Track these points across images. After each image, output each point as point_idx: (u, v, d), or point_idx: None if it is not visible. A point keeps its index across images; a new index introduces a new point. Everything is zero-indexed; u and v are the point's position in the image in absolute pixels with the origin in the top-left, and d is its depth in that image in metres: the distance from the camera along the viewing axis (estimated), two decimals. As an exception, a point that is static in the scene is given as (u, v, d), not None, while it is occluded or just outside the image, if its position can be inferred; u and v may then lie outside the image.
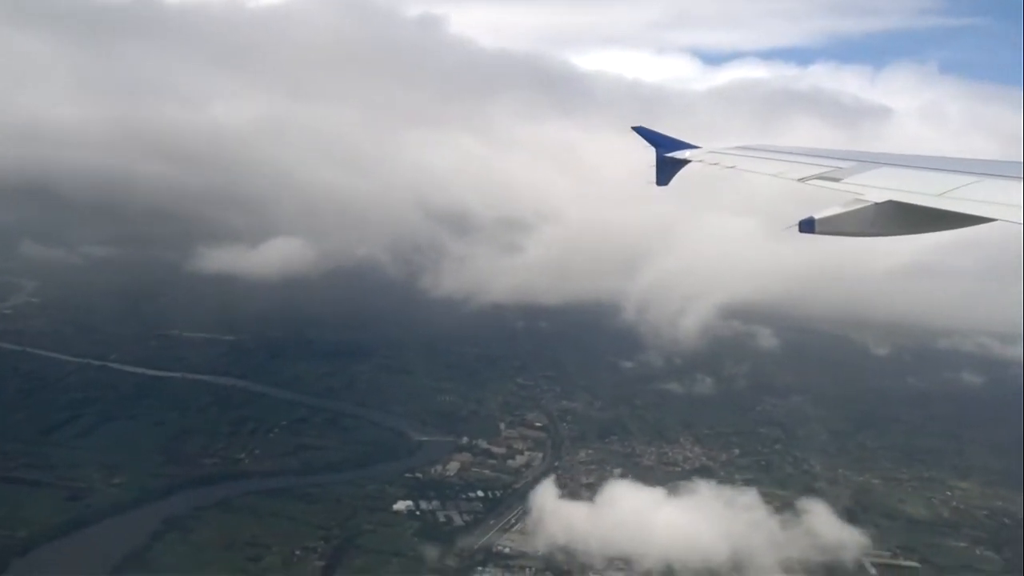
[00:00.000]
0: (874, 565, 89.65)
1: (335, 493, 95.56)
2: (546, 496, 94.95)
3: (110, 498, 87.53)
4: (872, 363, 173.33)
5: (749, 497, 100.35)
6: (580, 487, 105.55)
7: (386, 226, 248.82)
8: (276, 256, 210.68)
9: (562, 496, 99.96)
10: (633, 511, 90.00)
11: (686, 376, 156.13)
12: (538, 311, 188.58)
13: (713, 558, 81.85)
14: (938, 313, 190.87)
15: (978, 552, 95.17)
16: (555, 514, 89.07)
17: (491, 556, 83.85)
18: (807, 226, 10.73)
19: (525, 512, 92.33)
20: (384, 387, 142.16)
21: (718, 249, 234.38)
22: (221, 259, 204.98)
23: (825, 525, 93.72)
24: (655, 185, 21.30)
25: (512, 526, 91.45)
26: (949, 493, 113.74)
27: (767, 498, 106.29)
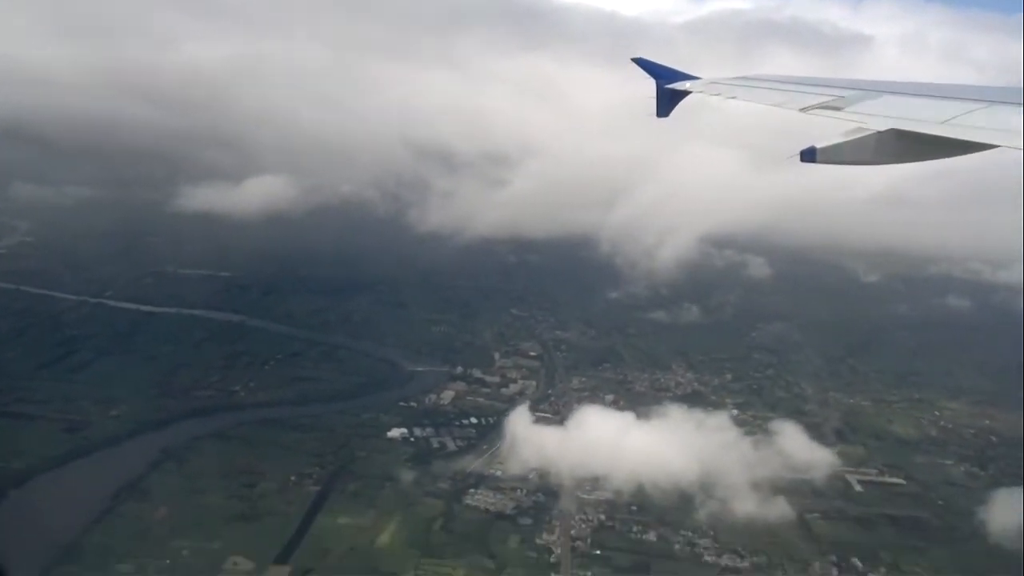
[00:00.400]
0: (860, 482, 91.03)
1: (329, 422, 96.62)
2: (520, 421, 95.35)
3: (107, 430, 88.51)
4: (863, 290, 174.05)
5: (720, 419, 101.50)
6: (573, 413, 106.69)
7: (369, 162, 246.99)
8: (260, 194, 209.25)
9: (553, 422, 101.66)
10: (605, 434, 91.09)
11: (675, 305, 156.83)
12: (527, 245, 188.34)
13: (683, 478, 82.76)
14: (923, 240, 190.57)
15: (963, 469, 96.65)
16: (529, 439, 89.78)
17: (483, 479, 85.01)
18: (808, 155, 10.81)
19: (501, 437, 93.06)
20: (379, 320, 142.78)
21: (703, 180, 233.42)
22: (206, 197, 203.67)
23: (797, 446, 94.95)
24: (655, 117, 21.12)
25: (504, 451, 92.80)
26: (938, 413, 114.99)
27: (758, 420, 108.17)
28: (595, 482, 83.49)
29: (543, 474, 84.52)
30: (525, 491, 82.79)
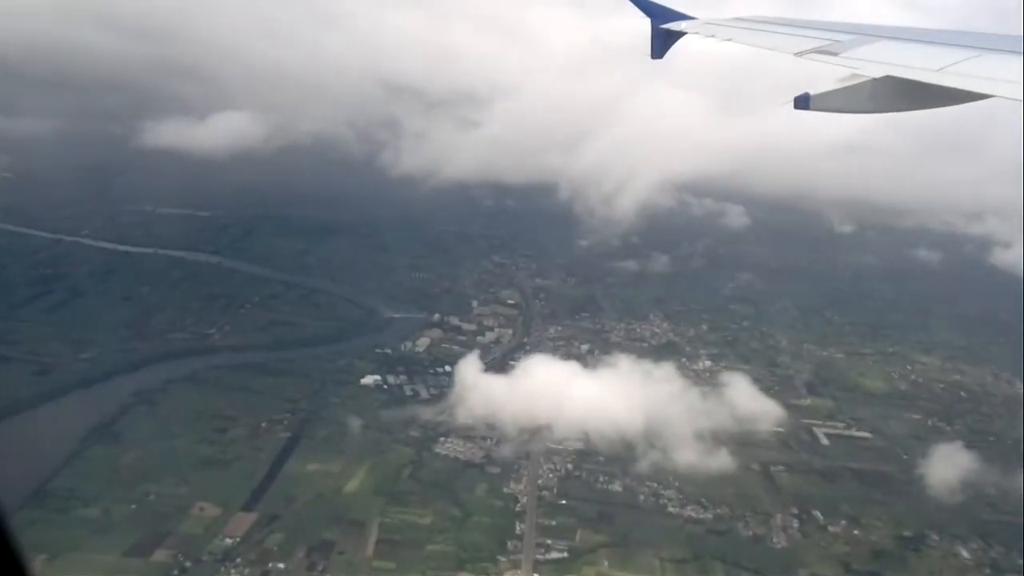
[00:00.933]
0: (827, 435, 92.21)
1: (304, 367, 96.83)
2: (470, 370, 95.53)
3: (78, 372, 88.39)
4: (839, 240, 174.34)
5: (666, 370, 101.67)
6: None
7: (337, 100, 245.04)
8: (226, 130, 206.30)
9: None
10: (552, 384, 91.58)
11: (650, 254, 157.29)
12: (504, 189, 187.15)
13: (632, 428, 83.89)
14: (898, 191, 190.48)
15: (929, 423, 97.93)
16: (478, 387, 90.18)
17: (454, 428, 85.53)
18: (802, 102, 10.78)
19: (450, 385, 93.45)
20: (359, 264, 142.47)
21: (674, 125, 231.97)
22: (172, 133, 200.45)
23: (744, 398, 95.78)
24: (650, 57, 20.76)
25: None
26: (910, 367, 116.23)
27: (708, 372, 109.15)
28: (540, 432, 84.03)
29: (491, 423, 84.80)
30: (495, 440, 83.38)
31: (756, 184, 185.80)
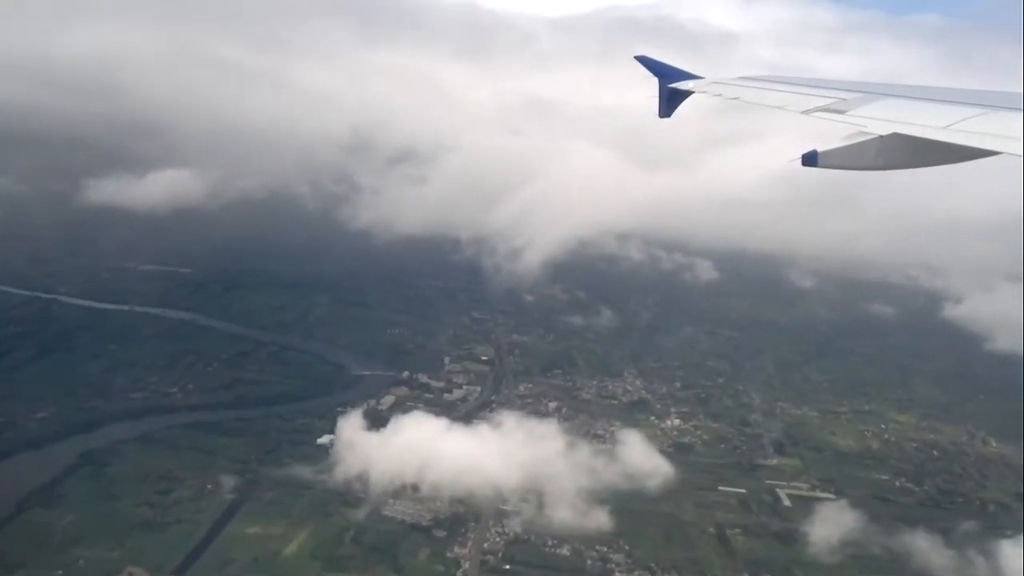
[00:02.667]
0: (789, 496, 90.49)
1: (261, 427, 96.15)
2: (351, 427, 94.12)
3: (30, 432, 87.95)
4: (806, 295, 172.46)
5: (549, 427, 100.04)
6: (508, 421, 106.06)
7: (285, 156, 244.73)
8: (165, 187, 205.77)
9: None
10: (431, 442, 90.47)
11: (624, 309, 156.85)
12: (453, 242, 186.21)
13: (504, 485, 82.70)
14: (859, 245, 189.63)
15: (898, 484, 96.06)
16: (357, 445, 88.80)
17: (402, 490, 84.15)
18: (810, 160, 10.84)
19: (331, 443, 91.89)
20: (336, 320, 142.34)
21: (596, 180, 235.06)
22: (111, 190, 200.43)
23: (637, 456, 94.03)
24: (658, 116, 20.96)
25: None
26: (884, 426, 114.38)
27: (702, 430, 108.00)
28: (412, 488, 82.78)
29: (365, 480, 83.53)
30: (445, 502, 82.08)
31: (697, 236, 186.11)
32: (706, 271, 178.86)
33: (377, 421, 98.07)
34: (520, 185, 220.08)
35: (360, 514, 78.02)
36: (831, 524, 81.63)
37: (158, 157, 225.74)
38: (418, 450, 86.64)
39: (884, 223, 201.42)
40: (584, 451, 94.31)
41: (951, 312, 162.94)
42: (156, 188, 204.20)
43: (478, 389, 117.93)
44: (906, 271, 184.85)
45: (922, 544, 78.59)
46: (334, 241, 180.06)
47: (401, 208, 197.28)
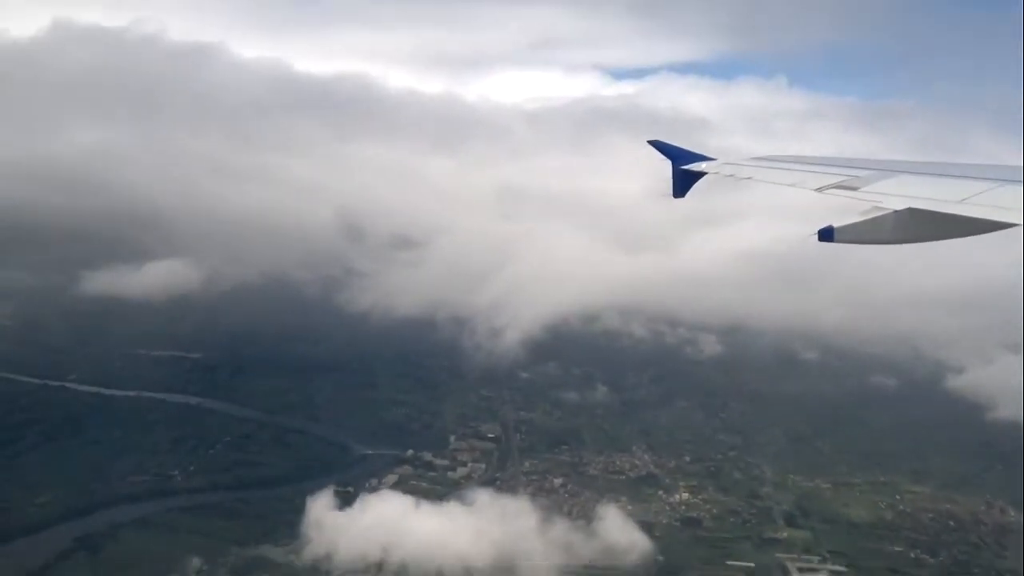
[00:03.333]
0: (800, 570, 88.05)
1: (260, 509, 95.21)
2: (322, 506, 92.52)
3: (27, 517, 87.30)
4: (809, 367, 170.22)
5: (522, 504, 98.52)
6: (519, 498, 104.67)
7: (279, 243, 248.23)
8: (162, 276, 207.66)
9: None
10: (402, 521, 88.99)
11: (635, 385, 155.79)
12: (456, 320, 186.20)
13: (475, 565, 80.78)
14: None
15: (912, 556, 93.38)
16: (328, 524, 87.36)
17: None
18: (826, 235, 10.90)
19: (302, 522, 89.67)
20: (341, 401, 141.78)
21: (577, 260, 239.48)
22: (116, 280, 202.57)
23: (617, 533, 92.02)
24: (672, 197, 21.29)
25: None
26: (899, 497, 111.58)
27: (711, 503, 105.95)
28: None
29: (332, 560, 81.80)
30: None
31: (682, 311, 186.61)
32: (710, 345, 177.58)
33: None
34: (507, 267, 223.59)
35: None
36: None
37: (154, 248, 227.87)
38: (385, 528, 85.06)
39: (844, 298, 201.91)
40: (564, 528, 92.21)
41: (952, 383, 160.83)
42: (153, 277, 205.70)
43: (483, 466, 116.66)
44: (911, 343, 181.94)
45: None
46: (337, 324, 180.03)
47: (397, 291, 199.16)
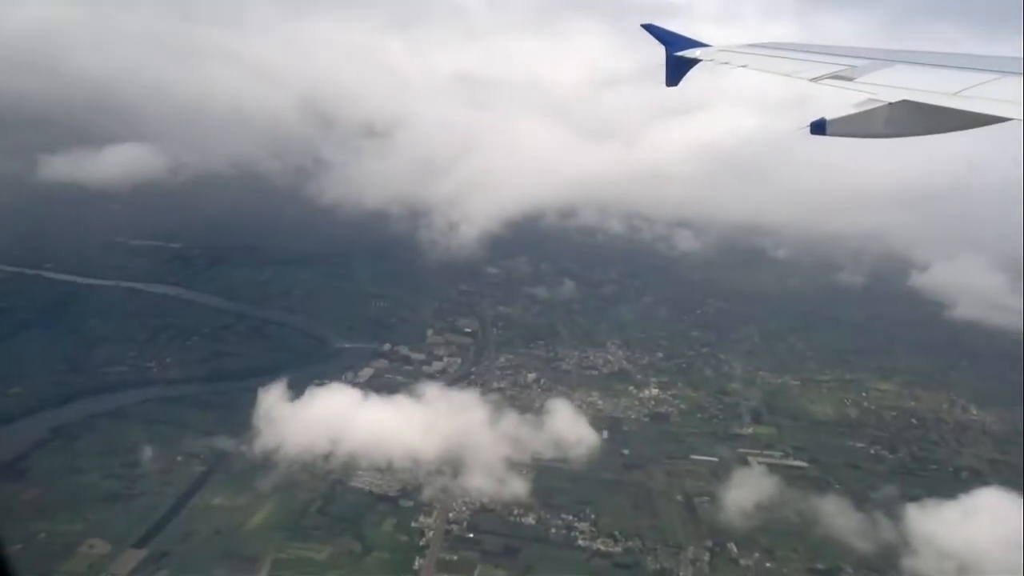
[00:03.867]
0: (760, 465, 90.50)
1: (235, 400, 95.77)
2: (275, 397, 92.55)
3: (2, 408, 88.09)
4: (781, 266, 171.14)
5: (470, 397, 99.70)
6: (489, 391, 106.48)
7: (248, 131, 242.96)
8: (124, 162, 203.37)
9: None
10: (352, 413, 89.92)
11: (607, 281, 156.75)
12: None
13: (424, 456, 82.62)
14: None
15: (872, 452, 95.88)
16: (279, 416, 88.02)
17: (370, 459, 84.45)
18: (818, 128, 11.01)
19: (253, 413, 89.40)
20: (320, 294, 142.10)
21: (543, 152, 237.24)
22: (78, 165, 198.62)
23: (565, 426, 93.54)
24: (665, 85, 20.95)
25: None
26: (865, 394, 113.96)
27: (680, 399, 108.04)
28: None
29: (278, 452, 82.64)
30: (414, 472, 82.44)
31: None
32: (686, 240, 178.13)
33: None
34: (473, 158, 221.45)
35: (326, 485, 78.20)
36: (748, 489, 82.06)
37: (113, 132, 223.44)
38: (335, 421, 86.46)
39: (795, 194, 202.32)
40: (517, 422, 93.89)
41: (916, 280, 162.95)
42: (115, 163, 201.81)
43: (459, 361, 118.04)
44: (872, 239, 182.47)
45: (833, 508, 79.20)
46: (311, 216, 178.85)
47: (365, 182, 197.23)
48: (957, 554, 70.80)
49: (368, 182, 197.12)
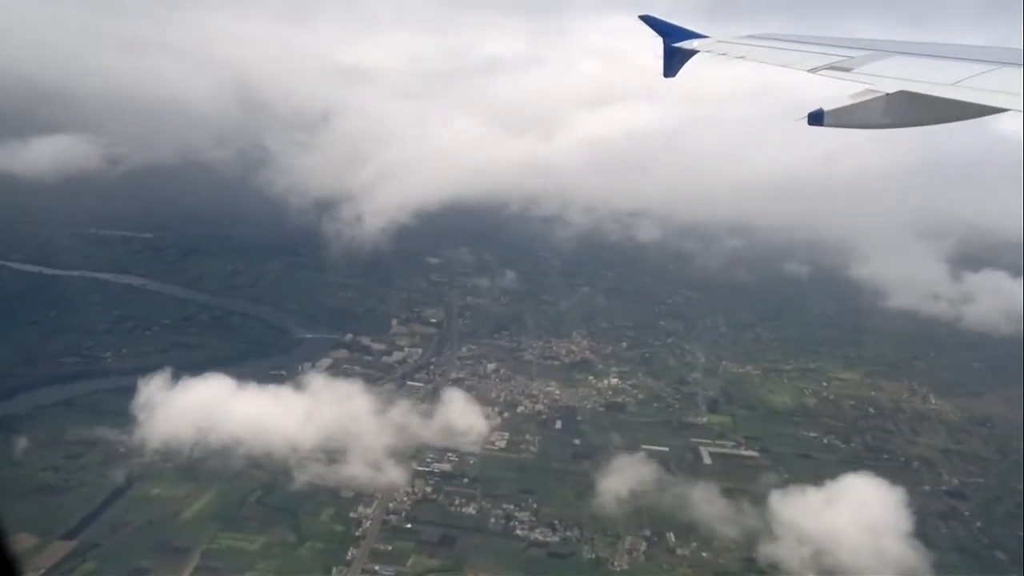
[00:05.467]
0: (711, 455, 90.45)
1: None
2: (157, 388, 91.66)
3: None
4: (733, 256, 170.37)
5: (356, 387, 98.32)
6: (448, 382, 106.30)
7: (189, 121, 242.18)
8: (54, 153, 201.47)
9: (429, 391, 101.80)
10: (232, 403, 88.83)
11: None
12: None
13: (302, 446, 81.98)
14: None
15: (825, 441, 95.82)
16: (166, 406, 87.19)
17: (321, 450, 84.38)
18: (816, 119, 10.97)
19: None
20: (288, 284, 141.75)
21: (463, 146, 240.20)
22: (49, 155, 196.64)
23: (459, 416, 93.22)
24: (663, 76, 21.02)
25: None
26: (826, 384, 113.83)
27: (639, 388, 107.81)
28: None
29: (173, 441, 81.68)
30: (359, 462, 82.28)
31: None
32: (647, 232, 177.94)
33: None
34: (409, 148, 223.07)
35: (268, 475, 77.99)
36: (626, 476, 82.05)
37: (41, 124, 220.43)
38: (214, 411, 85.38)
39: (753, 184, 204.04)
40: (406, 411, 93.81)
41: (856, 272, 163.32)
42: (45, 154, 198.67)
43: (420, 351, 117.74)
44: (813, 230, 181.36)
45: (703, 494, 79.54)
46: (265, 205, 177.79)
47: (309, 172, 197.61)
48: (815, 539, 71.15)
49: (309, 172, 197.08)
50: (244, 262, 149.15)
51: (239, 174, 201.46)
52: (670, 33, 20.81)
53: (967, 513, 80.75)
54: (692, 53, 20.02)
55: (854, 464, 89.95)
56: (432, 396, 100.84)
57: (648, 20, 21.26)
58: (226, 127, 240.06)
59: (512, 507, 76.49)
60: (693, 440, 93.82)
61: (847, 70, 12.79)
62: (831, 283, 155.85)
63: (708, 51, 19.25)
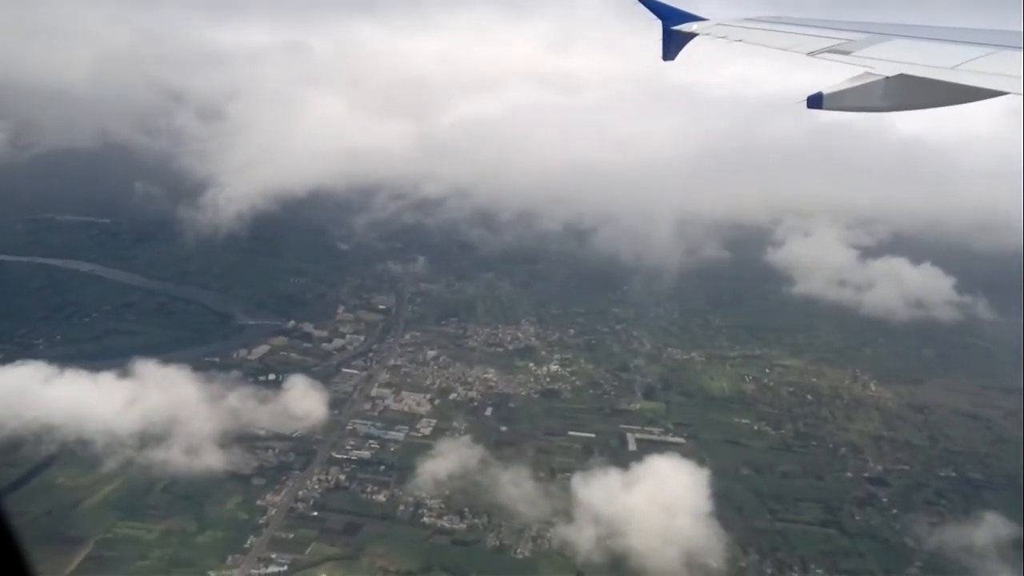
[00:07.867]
0: (638, 441, 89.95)
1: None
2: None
3: None
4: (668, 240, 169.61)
5: (185, 373, 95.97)
6: (385, 369, 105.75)
7: (97, 108, 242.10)
8: None
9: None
10: (45, 388, 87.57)
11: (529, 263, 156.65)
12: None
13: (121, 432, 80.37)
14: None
15: (756, 428, 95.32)
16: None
17: (245, 437, 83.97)
18: (815, 102, 10.94)
19: None
20: (240, 270, 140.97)
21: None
22: None
23: (295, 402, 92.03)
24: (662, 59, 20.82)
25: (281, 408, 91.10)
26: (768, 370, 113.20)
27: (577, 375, 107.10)
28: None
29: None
30: (277, 450, 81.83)
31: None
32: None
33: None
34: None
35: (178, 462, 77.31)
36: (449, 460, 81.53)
37: None
38: (25, 396, 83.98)
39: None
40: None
41: (771, 256, 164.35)
42: None
43: (362, 338, 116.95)
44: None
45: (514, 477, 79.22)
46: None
47: (229, 159, 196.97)
48: (610, 519, 71.35)
49: (229, 158, 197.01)
50: (198, 248, 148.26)
51: (161, 160, 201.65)
52: (669, 16, 20.60)
53: (885, 500, 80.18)
54: (691, 36, 19.91)
55: (781, 451, 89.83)
56: (365, 383, 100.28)
57: (646, 2, 20.94)
58: (143, 114, 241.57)
59: (423, 495, 75.87)
60: (622, 426, 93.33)
61: (847, 53, 12.83)
62: (745, 266, 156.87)
63: (707, 34, 19.22)
